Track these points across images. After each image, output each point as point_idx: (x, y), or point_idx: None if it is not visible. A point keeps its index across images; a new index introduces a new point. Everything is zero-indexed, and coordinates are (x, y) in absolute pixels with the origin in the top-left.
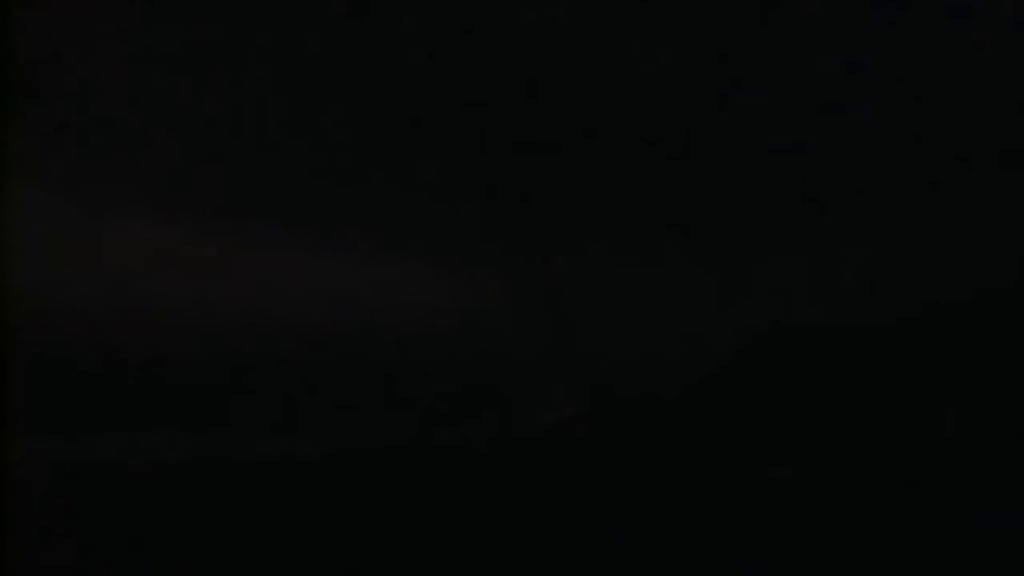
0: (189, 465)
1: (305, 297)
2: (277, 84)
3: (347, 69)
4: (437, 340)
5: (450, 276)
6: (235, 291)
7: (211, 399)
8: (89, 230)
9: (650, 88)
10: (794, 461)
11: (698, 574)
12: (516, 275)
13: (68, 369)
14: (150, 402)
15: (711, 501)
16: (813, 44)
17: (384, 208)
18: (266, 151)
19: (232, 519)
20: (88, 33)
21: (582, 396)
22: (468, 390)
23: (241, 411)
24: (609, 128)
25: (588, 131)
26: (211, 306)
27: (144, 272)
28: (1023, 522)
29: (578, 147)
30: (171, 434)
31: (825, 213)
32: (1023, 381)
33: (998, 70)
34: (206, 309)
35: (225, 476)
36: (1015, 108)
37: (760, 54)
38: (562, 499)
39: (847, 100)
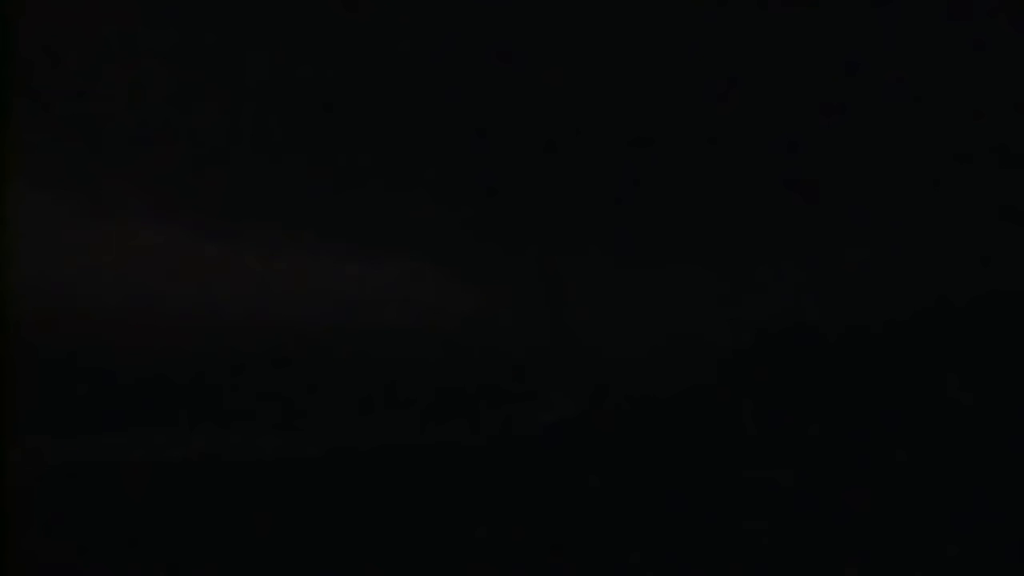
0: (189, 465)
1: (305, 297)
2: (278, 84)
3: (347, 69)
4: (437, 340)
5: (450, 276)
6: (235, 291)
7: (211, 399)
8: (89, 230)
9: (650, 88)
10: (795, 462)
11: (698, 574)
12: (516, 275)
13: (68, 369)
14: (150, 402)
15: (711, 501)
16: (813, 44)
17: (384, 208)
18: (267, 151)
19: (233, 519)
20: (88, 33)
21: (582, 396)
22: (468, 390)
23: (241, 411)
24: (609, 128)
25: (588, 131)
26: (211, 306)
27: (144, 272)
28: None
29: (578, 147)
30: (171, 434)
31: (826, 213)
32: None
33: (998, 70)
34: (206, 309)
35: (225, 476)
36: (1015, 108)
37: (760, 53)
38: (562, 499)
39: (848, 100)
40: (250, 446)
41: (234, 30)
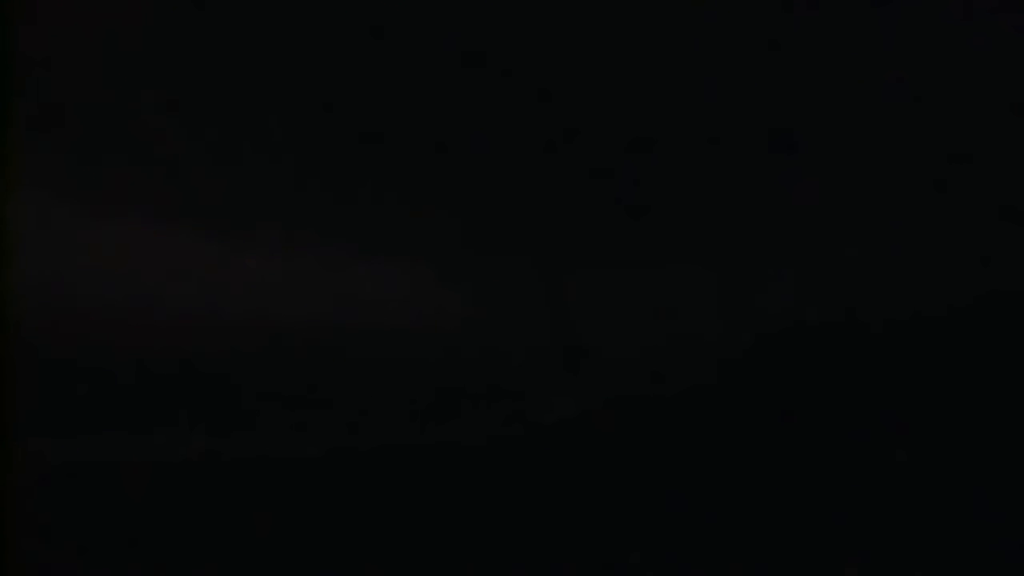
0: (189, 465)
1: (305, 297)
2: (279, 84)
3: (348, 69)
4: (437, 340)
5: (450, 276)
6: (235, 291)
7: (211, 399)
8: (89, 230)
9: (650, 88)
10: (795, 462)
11: (698, 574)
12: (516, 275)
13: (68, 369)
14: (150, 402)
15: (711, 501)
16: (814, 44)
17: (385, 208)
18: (267, 151)
19: (233, 519)
20: (88, 32)
21: (582, 396)
22: (468, 390)
23: (241, 411)
24: (609, 128)
25: (588, 131)
26: (211, 306)
27: (144, 272)
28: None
29: (578, 147)
30: (171, 434)
31: (826, 213)
32: None
33: (998, 70)
34: (206, 309)
35: (226, 476)
36: (1015, 108)
37: (760, 54)
38: (562, 499)
39: (848, 100)
40: (250, 446)
41: (234, 30)
